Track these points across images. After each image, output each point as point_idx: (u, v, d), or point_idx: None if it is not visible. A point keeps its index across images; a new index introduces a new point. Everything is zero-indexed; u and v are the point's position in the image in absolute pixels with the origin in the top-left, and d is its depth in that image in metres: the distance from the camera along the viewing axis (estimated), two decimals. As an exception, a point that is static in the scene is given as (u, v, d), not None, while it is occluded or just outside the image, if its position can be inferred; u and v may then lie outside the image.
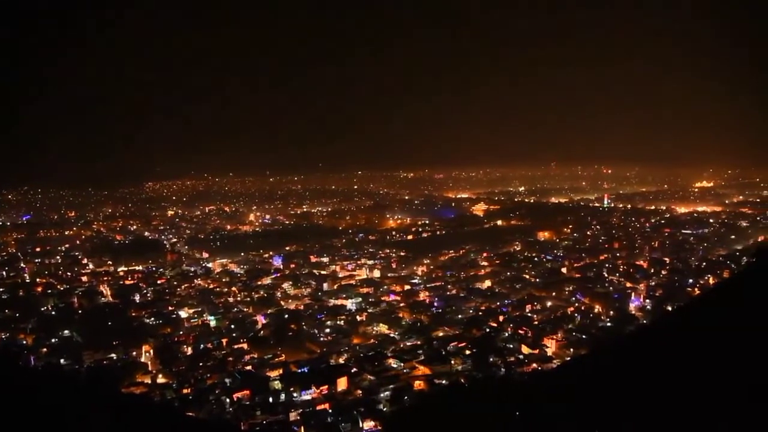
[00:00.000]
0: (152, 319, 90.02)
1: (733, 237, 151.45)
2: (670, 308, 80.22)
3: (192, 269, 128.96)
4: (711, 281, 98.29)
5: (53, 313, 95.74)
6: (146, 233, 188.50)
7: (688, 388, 21.59)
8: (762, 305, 26.14)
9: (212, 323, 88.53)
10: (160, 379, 67.75)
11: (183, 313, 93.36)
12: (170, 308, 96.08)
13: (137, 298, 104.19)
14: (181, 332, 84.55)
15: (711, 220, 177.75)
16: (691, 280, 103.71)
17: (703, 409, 19.55)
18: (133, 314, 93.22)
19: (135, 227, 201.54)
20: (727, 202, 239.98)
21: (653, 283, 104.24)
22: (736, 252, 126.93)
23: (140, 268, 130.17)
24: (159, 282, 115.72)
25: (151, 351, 75.28)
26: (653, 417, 21.33)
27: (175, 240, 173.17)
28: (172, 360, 72.82)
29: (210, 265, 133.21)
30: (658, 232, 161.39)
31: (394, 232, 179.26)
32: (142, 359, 74.55)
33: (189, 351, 77.47)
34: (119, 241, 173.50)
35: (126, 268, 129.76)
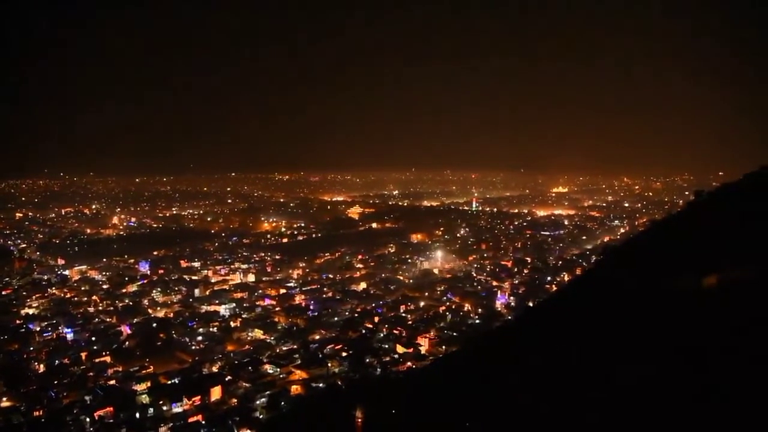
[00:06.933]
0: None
1: (584, 238, 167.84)
2: (531, 304, 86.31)
3: (45, 277, 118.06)
4: (566, 278, 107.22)
5: None
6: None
7: (549, 378, 23.43)
8: (607, 299, 29.00)
9: (69, 336, 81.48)
10: (5, 403, 60.79)
11: (34, 327, 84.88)
12: (18, 321, 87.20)
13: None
14: (31, 348, 76.82)
15: (566, 223, 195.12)
16: (549, 278, 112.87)
17: (564, 399, 21.27)
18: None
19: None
20: (579, 206, 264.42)
21: (517, 281, 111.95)
22: (587, 251, 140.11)
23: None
24: (4, 293, 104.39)
25: (-6, 371, 67.44)
26: (518, 408, 22.88)
27: (24, 245, 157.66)
28: (20, 380, 65.56)
29: (67, 272, 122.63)
30: (521, 234, 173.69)
31: (269, 235, 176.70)
32: (-18, 381, 66.51)
33: (41, 368, 70.64)
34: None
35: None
